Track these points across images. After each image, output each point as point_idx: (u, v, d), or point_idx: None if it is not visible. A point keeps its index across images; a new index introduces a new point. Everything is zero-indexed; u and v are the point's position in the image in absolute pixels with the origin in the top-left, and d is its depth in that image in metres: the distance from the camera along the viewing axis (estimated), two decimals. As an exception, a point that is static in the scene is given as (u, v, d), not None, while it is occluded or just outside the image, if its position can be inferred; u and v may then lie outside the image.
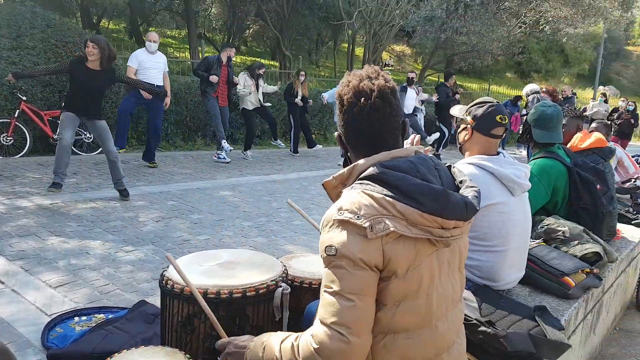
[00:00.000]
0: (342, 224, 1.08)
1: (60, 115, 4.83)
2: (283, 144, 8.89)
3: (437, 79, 17.25)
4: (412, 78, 9.08)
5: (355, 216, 1.07)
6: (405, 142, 1.35)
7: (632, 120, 10.61)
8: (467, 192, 1.21)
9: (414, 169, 1.15)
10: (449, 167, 1.33)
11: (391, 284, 1.09)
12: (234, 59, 7.87)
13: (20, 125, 6.56)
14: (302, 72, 9.03)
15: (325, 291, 1.08)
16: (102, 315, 2.63)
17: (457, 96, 10.50)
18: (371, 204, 1.08)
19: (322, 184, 1.27)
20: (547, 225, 2.54)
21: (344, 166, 1.26)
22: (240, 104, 8.23)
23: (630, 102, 11.37)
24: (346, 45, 20.42)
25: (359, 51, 20.99)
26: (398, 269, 1.09)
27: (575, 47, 25.87)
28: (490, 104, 2.08)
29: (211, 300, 1.67)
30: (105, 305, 2.79)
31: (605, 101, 11.59)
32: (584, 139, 3.15)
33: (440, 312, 1.17)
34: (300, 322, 1.74)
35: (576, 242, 2.46)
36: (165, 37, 22.41)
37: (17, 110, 6.50)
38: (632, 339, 3.27)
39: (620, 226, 3.52)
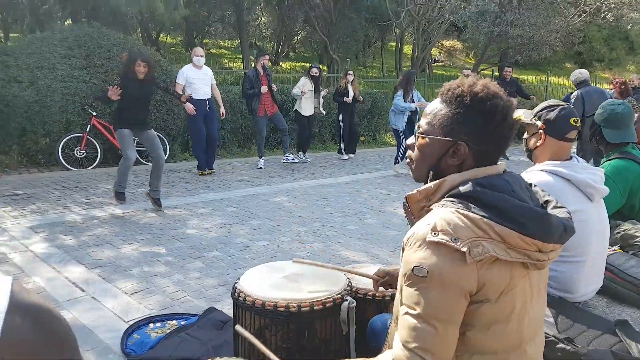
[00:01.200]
0: (436, 246, 1.03)
1: (115, 133, 5.10)
2: (295, 158, 8.38)
3: (492, 73, 16.74)
4: (469, 76, 8.87)
5: (452, 238, 1.01)
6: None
7: None
8: (559, 213, 1.15)
9: (509, 188, 1.09)
10: (530, 185, 1.26)
11: (482, 308, 1.04)
12: (269, 65, 7.89)
13: (91, 139, 7.02)
14: (350, 72, 9.03)
15: (407, 312, 1.05)
16: (174, 322, 2.77)
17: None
18: (468, 225, 1.03)
19: (405, 198, 1.20)
20: (623, 230, 2.41)
21: (426, 179, 1.21)
22: (297, 106, 8.32)
23: None
24: (393, 44, 20.26)
25: (407, 49, 20.74)
26: (491, 294, 1.04)
27: (641, 33, 24.25)
28: (561, 106, 2.01)
29: (281, 313, 1.72)
30: (177, 312, 2.93)
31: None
32: None
33: (529, 335, 1.12)
34: (365, 335, 1.75)
35: (656, 248, 2.31)
36: (219, 48, 23.16)
37: (89, 125, 6.95)
38: None
39: None
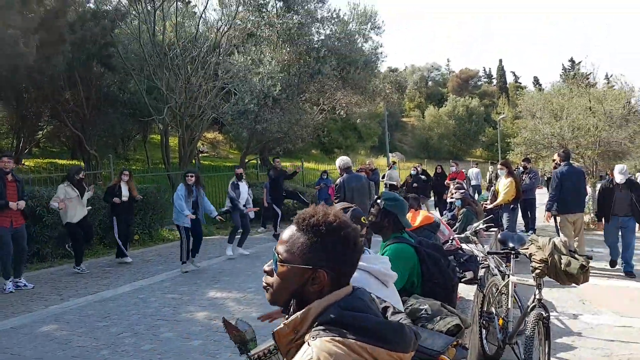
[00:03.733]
0: None
1: None
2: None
3: (256, 162, 18.03)
4: (241, 174, 9.36)
5: None
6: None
7: (417, 183, 12.54)
8: (401, 320, 1.23)
9: (366, 305, 1.15)
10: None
11: None
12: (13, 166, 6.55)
13: None
14: (126, 172, 8.49)
15: None
16: None
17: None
18: (346, 352, 1.03)
19: (273, 334, 1.17)
20: (410, 305, 2.77)
21: (285, 305, 1.21)
22: (63, 218, 7.28)
23: (415, 168, 13.61)
24: (157, 136, 19.99)
25: (173, 141, 20.75)
26: None
27: (365, 124, 30.20)
28: (352, 207, 2.25)
29: None
30: None
31: (396, 168, 13.85)
32: (415, 218, 3.59)
33: None
34: None
35: (438, 317, 2.72)
36: None
37: None
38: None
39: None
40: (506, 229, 7.91)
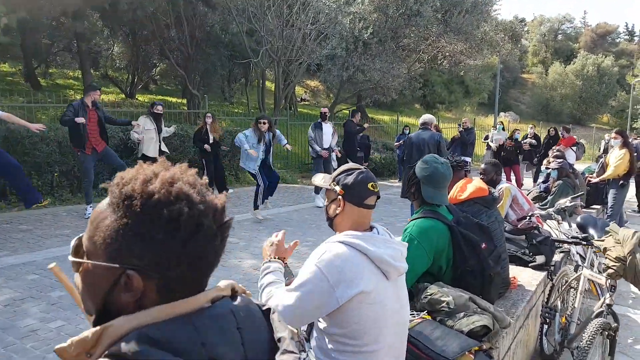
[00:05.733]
0: None
1: None
2: None
3: (348, 113, 17.57)
4: (325, 113, 9.00)
5: None
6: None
7: (519, 149, 11.14)
8: None
9: (196, 340, 0.75)
10: (268, 311, 0.92)
11: None
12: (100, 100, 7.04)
13: None
14: (209, 115, 8.62)
15: None
16: None
17: (366, 127, 10.66)
18: None
19: (55, 351, 0.79)
20: (430, 295, 2.29)
21: (94, 322, 0.81)
22: (140, 150, 7.60)
23: (527, 130, 12.11)
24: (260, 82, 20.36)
25: (272, 86, 20.99)
26: None
27: (474, 78, 27.82)
28: (359, 170, 1.81)
29: None
30: None
31: (503, 129, 12.28)
32: (464, 189, 2.97)
33: None
34: None
35: (462, 314, 2.21)
36: (66, 79, 21.05)
37: None
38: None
39: (516, 271, 3.38)
40: (610, 208, 6.72)
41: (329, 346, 1.70)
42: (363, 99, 17.13)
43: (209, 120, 8.47)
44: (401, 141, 11.68)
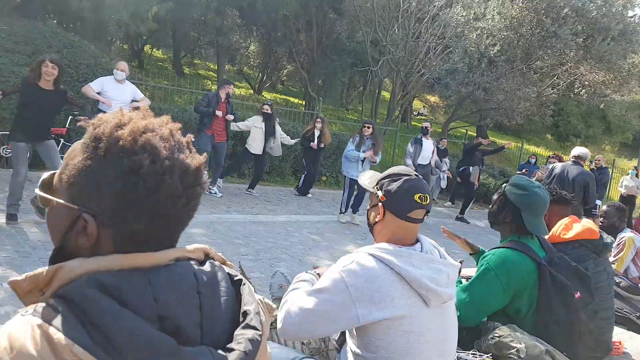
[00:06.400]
0: None
1: (10, 144, 4.71)
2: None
3: (465, 132, 16.85)
4: (427, 128, 8.76)
5: None
6: None
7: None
8: (238, 340, 0.77)
9: (148, 294, 0.72)
10: (240, 282, 0.87)
11: None
12: (232, 93, 7.59)
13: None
14: (319, 119, 8.86)
15: None
16: None
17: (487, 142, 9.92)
18: (43, 352, 0.65)
19: (9, 284, 0.79)
20: (498, 337, 2.00)
21: (50, 260, 0.80)
22: (247, 143, 8.00)
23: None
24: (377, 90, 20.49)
25: (389, 96, 20.98)
26: None
27: (618, 115, 24.91)
28: (407, 177, 1.60)
29: None
30: None
31: (637, 175, 10.80)
32: (569, 227, 2.54)
33: None
34: None
35: (533, 367, 1.95)
36: (208, 70, 23.11)
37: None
38: None
39: (625, 335, 2.85)
40: None
41: None
42: (484, 119, 16.25)
43: (318, 125, 8.62)
44: (524, 170, 10.77)
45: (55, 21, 8.17)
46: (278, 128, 8.11)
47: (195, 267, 0.81)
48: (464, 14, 11.76)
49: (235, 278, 0.87)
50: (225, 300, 0.81)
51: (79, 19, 9.42)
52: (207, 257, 0.86)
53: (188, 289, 0.76)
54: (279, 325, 1.52)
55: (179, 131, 0.82)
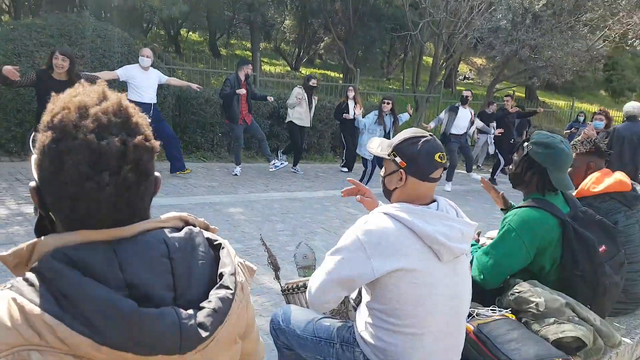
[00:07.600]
0: None
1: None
2: (282, 162, 7.67)
3: (512, 93, 16.04)
4: (467, 97, 8.33)
5: None
6: None
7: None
8: (209, 299, 0.81)
9: (114, 264, 0.75)
10: (219, 246, 0.90)
11: None
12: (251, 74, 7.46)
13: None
14: (350, 88, 8.65)
15: None
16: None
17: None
18: (17, 324, 0.69)
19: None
20: (518, 292, 1.99)
21: (35, 230, 0.88)
22: (289, 116, 7.96)
23: None
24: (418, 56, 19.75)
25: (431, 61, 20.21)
26: None
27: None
28: (424, 138, 1.59)
29: None
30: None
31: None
32: (600, 180, 2.46)
33: None
34: None
35: (552, 319, 1.88)
36: (245, 50, 23.17)
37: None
38: None
39: None
40: None
41: (369, 320, 1.61)
42: (531, 79, 15.35)
43: (350, 94, 8.40)
44: (572, 129, 10.14)
45: (88, 13, 8.26)
46: (313, 100, 8.08)
47: (169, 234, 0.83)
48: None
49: (215, 242, 0.90)
50: (202, 264, 0.85)
51: (113, 8, 9.58)
52: (187, 224, 0.89)
53: (156, 256, 0.79)
54: (308, 293, 1.66)
55: (128, 109, 0.81)
